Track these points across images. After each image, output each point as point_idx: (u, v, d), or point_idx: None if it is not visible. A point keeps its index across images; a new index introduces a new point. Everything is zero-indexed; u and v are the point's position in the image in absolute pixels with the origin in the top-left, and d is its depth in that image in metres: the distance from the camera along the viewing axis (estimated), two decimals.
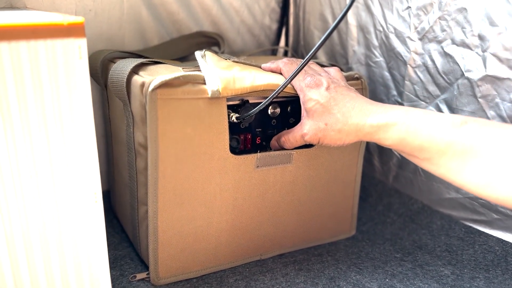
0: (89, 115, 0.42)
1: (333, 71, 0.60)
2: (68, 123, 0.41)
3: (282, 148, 0.59)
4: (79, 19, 0.39)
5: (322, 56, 0.89)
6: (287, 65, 0.58)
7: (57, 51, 0.39)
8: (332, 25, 0.47)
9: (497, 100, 0.60)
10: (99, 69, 0.64)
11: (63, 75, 0.40)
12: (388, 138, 0.50)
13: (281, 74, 0.59)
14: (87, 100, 0.42)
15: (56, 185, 0.43)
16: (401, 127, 0.49)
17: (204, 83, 0.53)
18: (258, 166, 0.58)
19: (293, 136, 0.57)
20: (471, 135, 0.45)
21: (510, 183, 0.42)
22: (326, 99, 0.53)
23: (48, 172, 0.42)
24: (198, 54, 0.58)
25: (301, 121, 0.56)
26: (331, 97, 0.53)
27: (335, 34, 0.84)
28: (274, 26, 0.94)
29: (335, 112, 0.52)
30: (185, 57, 0.78)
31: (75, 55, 0.40)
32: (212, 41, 0.81)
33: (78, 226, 0.45)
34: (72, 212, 0.44)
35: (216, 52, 0.73)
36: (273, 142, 0.60)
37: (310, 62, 0.62)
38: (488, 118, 0.62)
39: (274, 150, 0.59)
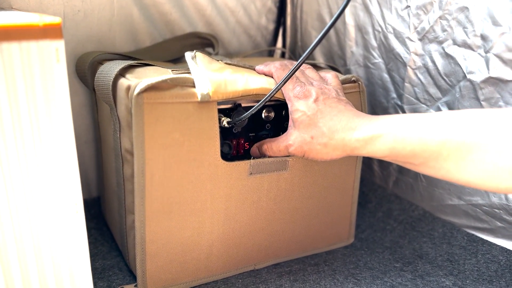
0: (68, 122, 0.40)
1: (330, 76, 0.58)
2: (46, 129, 0.39)
3: (263, 156, 0.57)
4: (56, 19, 0.37)
5: (319, 57, 0.86)
6: (278, 70, 0.56)
7: (32, 54, 0.37)
8: (321, 32, 0.46)
9: (501, 103, 0.57)
10: (88, 72, 0.62)
11: (39, 79, 0.38)
12: (377, 151, 0.48)
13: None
14: (65, 106, 0.39)
15: (33, 195, 0.40)
16: (388, 137, 0.47)
17: (194, 86, 0.51)
18: (251, 173, 0.56)
19: (276, 145, 0.54)
20: (461, 130, 0.42)
21: None
22: (313, 111, 0.51)
23: (24, 182, 0.39)
24: (188, 55, 0.56)
25: (287, 131, 0.54)
26: (318, 110, 0.51)
27: (332, 34, 0.81)
28: (271, 26, 0.91)
29: (321, 126, 0.51)
30: (178, 59, 0.76)
31: (52, 58, 0.38)
32: (206, 42, 0.79)
33: (58, 238, 0.43)
34: (51, 223, 0.42)
35: (210, 54, 0.71)
36: (254, 149, 0.58)
37: (307, 66, 0.60)
38: None
39: (254, 158, 0.56)
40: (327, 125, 0.50)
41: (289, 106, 0.54)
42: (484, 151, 0.41)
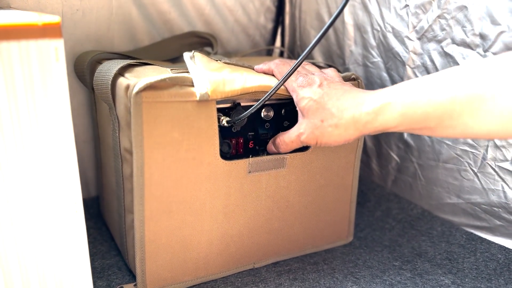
0: (68, 121, 0.40)
1: (330, 71, 0.58)
2: (45, 129, 0.39)
3: (279, 152, 0.57)
4: (55, 18, 0.37)
5: (318, 57, 0.86)
6: (279, 66, 0.55)
7: (31, 53, 0.37)
8: (322, 30, 0.46)
9: None
10: (86, 71, 0.62)
11: (39, 79, 0.38)
12: (389, 120, 0.47)
13: (273, 75, 0.57)
14: (65, 105, 0.39)
15: (33, 195, 0.40)
16: (397, 104, 0.46)
17: (193, 86, 0.51)
18: (250, 172, 0.56)
19: (288, 137, 0.54)
20: (470, 82, 0.42)
21: None
22: (319, 95, 0.51)
23: (24, 181, 0.39)
24: (186, 55, 0.56)
25: (298, 122, 0.54)
26: (324, 93, 0.51)
27: (331, 34, 0.81)
28: (270, 25, 0.91)
29: (330, 107, 0.50)
30: (177, 58, 0.76)
31: (51, 58, 0.38)
32: (205, 41, 0.79)
33: (57, 237, 0.43)
34: (51, 222, 0.42)
35: (208, 53, 0.71)
36: (270, 145, 0.58)
37: (305, 63, 0.60)
38: None
39: (271, 154, 0.56)
40: (335, 105, 0.50)
41: (294, 97, 0.53)
42: (497, 98, 0.40)
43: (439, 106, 0.44)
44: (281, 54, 0.96)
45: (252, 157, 0.55)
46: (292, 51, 0.93)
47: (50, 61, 0.38)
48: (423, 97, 0.44)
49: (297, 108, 0.53)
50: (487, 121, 0.41)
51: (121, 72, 0.53)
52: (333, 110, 0.50)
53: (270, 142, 0.58)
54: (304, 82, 0.52)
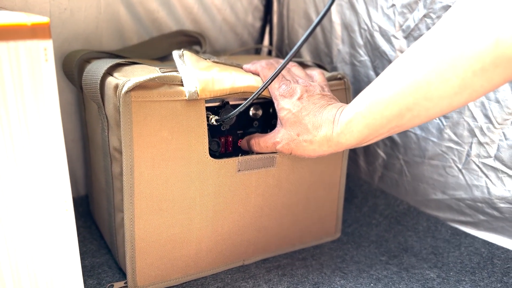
0: (57, 121, 0.40)
1: (316, 74, 0.59)
2: (35, 129, 0.39)
3: (250, 150, 0.58)
4: (44, 19, 0.37)
5: (306, 55, 0.87)
6: (264, 69, 0.56)
7: (20, 53, 0.37)
8: (307, 31, 0.46)
9: (483, 99, 0.59)
10: (75, 70, 0.62)
11: (28, 79, 0.38)
12: (357, 136, 0.48)
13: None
14: (54, 105, 0.39)
15: (22, 194, 0.40)
16: (359, 118, 0.47)
17: (182, 85, 0.51)
18: (239, 170, 0.56)
19: (264, 141, 0.55)
20: (411, 69, 0.42)
21: None
22: (298, 108, 0.52)
23: (13, 181, 0.40)
24: (175, 54, 0.56)
25: (275, 128, 0.55)
26: (303, 107, 0.52)
27: (319, 33, 0.82)
28: (258, 24, 0.92)
29: (306, 123, 0.51)
30: (165, 57, 0.76)
31: (40, 58, 0.38)
32: (193, 40, 0.79)
33: (48, 236, 0.43)
34: (41, 221, 0.42)
35: (197, 52, 0.72)
36: (243, 142, 0.59)
37: (292, 64, 0.60)
38: (474, 118, 0.61)
39: (242, 154, 0.56)
40: (311, 122, 0.51)
41: (275, 104, 0.55)
42: (440, 73, 0.40)
43: (394, 105, 0.44)
44: (269, 53, 0.96)
45: (241, 155, 0.56)
46: (280, 50, 0.94)
47: (39, 61, 0.38)
48: (377, 101, 0.45)
49: (277, 115, 0.54)
50: (442, 97, 0.41)
51: (110, 71, 0.53)
52: (309, 126, 0.51)
53: (245, 139, 0.59)
54: (286, 92, 0.53)
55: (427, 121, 0.47)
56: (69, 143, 0.74)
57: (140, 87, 0.48)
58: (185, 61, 0.55)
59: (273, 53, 0.94)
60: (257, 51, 0.95)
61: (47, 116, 0.39)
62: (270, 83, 0.52)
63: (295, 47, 0.48)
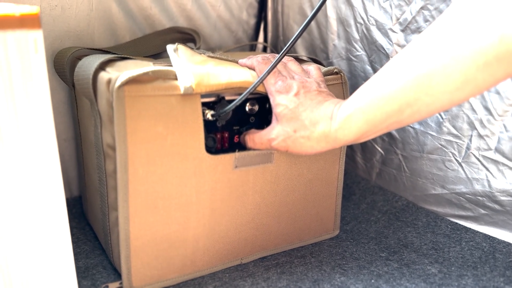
0: (49, 116, 0.39)
1: (312, 69, 0.58)
2: (26, 125, 0.38)
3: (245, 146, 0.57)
4: (34, 9, 0.36)
5: (302, 51, 0.86)
6: (260, 64, 0.55)
7: (9, 44, 0.36)
8: (302, 25, 0.45)
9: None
10: (66, 68, 0.61)
11: (17, 71, 0.36)
12: (356, 131, 0.47)
13: None
14: (45, 98, 0.38)
15: (14, 195, 0.39)
16: (357, 113, 0.46)
17: (176, 79, 0.50)
18: (236, 166, 0.55)
19: (259, 138, 0.54)
20: (412, 63, 0.42)
21: None
22: (295, 104, 0.51)
23: (4, 181, 0.38)
24: (170, 48, 0.55)
25: (271, 124, 0.54)
26: (300, 103, 0.51)
27: (314, 28, 0.81)
28: (252, 21, 0.91)
29: (303, 119, 0.50)
30: (158, 54, 0.75)
31: (30, 49, 0.37)
32: (187, 37, 0.78)
33: (41, 237, 0.41)
34: (34, 223, 0.41)
35: (191, 49, 0.70)
36: (242, 137, 0.58)
37: (289, 59, 0.60)
38: (474, 111, 0.60)
39: (239, 150, 0.55)
40: (309, 118, 0.50)
41: (271, 100, 0.54)
42: (456, 59, 0.39)
43: (395, 100, 0.43)
44: (264, 50, 0.95)
45: (238, 151, 0.55)
46: (275, 46, 0.93)
47: (29, 53, 0.37)
48: (377, 97, 0.45)
49: (273, 111, 0.53)
50: (444, 92, 0.41)
51: (102, 66, 0.52)
52: (306, 122, 0.50)
53: (244, 133, 0.58)
54: (282, 87, 0.52)
55: (426, 118, 0.47)
56: (62, 142, 0.72)
57: (133, 81, 0.47)
58: (180, 55, 0.53)
59: (268, 49, 0.94)
60: (252, 48, 0.95)
61: (38, 112, 0.38)
62: (266, 76, 0.51)
63: (292, 40, 0.47)
